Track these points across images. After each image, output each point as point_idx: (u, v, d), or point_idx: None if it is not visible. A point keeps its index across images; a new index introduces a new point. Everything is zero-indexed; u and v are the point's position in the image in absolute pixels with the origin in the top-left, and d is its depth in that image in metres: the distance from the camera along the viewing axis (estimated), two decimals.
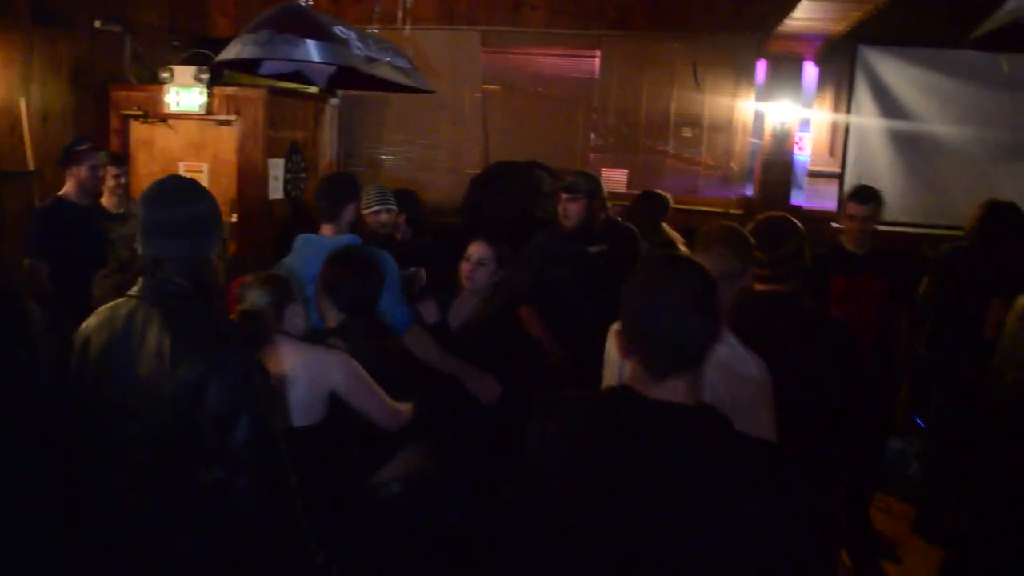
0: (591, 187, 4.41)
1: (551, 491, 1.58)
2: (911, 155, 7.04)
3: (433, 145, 7.58)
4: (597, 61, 7.33)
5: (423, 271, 4.55)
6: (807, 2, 5.15)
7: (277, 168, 6.47)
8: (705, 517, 1.42)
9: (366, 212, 4.65)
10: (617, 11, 7.11)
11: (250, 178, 6.31)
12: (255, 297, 2.85)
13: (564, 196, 4.41)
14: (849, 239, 4.40)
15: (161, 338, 2.02)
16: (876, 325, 4.31)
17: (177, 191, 2.16)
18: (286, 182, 6.58)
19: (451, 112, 7.48)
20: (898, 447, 5.24)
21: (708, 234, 2.57)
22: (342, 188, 3.83)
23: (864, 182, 6.99)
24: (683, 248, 5.04)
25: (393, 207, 4.75)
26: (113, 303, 2.18)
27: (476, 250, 3.67)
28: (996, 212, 4.60)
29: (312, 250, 3.60)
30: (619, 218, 5.00)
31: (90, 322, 2.18)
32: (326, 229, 3.77)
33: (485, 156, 7.39)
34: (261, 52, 3.12)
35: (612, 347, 2.49)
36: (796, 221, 3.05)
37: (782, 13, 5.78)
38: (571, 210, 4.36)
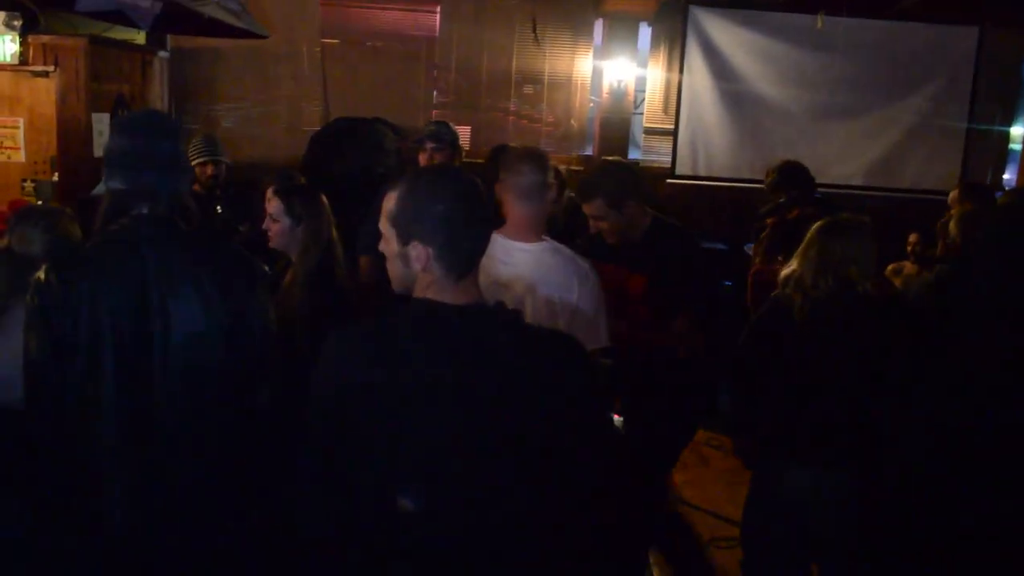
0: (453, 137, 4.33)
1: (371, 414, 1.63)
2: (738, 113, 7.38)
3: (271, 101, 7.33)
4: (438, 17, 7.29)
5: None
6: None
7: (102, 123, 6.09)
8: (525, 399, 1.64)
9: (193, 164, 4.48)
10: None
11: (73, 134, 5.92)
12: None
13: (431, 145, 4.23)
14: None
15: (198, 273, 2.06)
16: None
17: (166, 122, 2.21)
18: None
19: (289, 67, 7.27)
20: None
21: (509, 156, 2.90)
22: None
23: (695, 139, 7.37)
24: None
25: (223, 159, 4.58)
26: (98, 247, 2.08)
27: (268, 205, 3.24)
28: (786, 172, 5.00)
29: None
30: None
31: (73, 275, 1.98)
32: None
33: (325, 112, 7.23)
34: None
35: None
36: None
37: None
38: (438, 160, 4.21)
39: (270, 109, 7.35)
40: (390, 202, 1.72)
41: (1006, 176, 7.63)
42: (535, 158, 2.83)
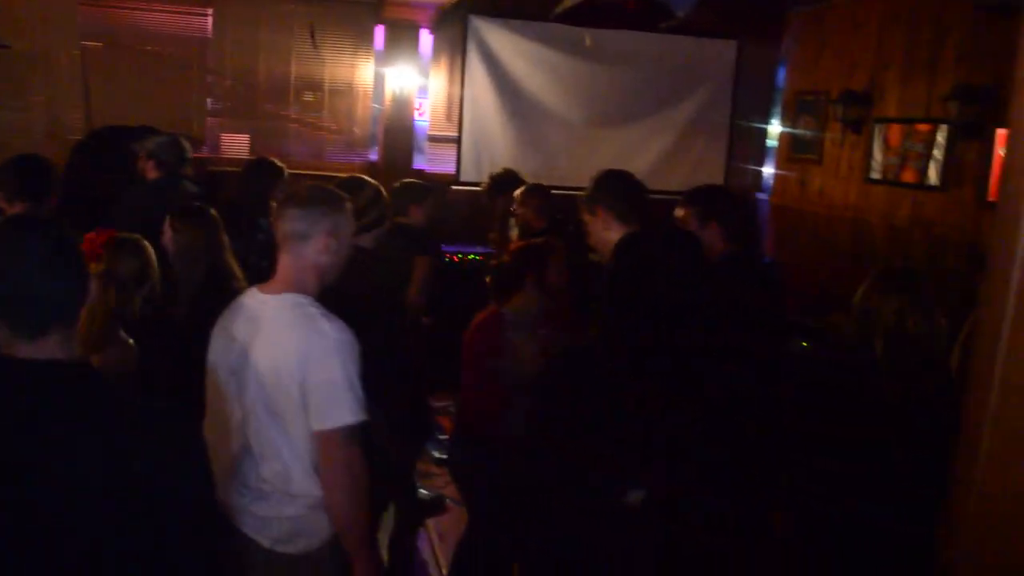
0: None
1: None
2: (520, 121, 7.54)
3: (25, 108, 6.78)
4: (210, 19, 6.98)
5: None
6: None
7: None
8: (78, 471, 1.47)
9: None
10: None
11: None
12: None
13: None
14: None
15: None
16: None
17: None
18: None
19: (44, 71, 6.74)
20: None
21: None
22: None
23: (479, 146, 7.47)
24: None
25: None
26: None
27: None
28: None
29: None
30: None
31: None
32: None
33: (88, 120, 6.77)
34: None
35: None
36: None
37: None
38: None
39: (24, 116, 6.80)
40: None
41: (765, 170, 8.22)
42: (300, 200, 2.46)
